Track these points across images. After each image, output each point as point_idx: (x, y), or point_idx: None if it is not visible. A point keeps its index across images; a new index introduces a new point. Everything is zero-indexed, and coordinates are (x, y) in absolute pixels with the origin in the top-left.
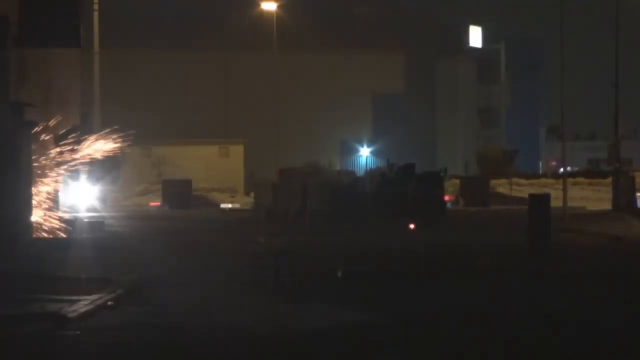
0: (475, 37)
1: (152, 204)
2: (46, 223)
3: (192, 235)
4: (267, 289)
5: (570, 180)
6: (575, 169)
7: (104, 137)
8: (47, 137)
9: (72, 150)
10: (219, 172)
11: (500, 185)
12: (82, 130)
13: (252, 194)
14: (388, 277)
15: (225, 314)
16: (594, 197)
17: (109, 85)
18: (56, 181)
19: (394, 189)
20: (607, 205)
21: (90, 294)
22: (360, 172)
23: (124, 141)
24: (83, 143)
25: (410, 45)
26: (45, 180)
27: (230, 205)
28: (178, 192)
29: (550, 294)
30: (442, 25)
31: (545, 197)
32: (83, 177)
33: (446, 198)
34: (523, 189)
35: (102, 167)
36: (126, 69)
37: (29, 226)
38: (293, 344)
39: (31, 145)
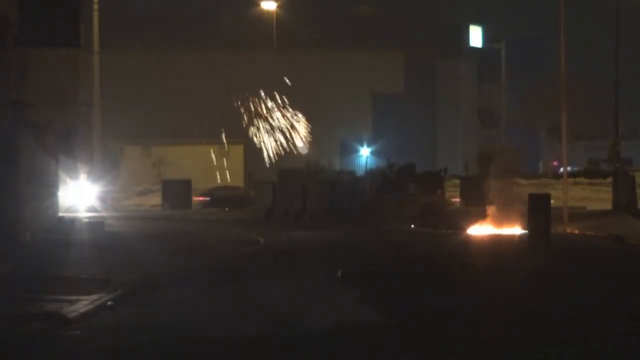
0: (475, 37)
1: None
2: None
3: (192, 235)
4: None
5: (570, 180)
6: (576, 168)
7: None
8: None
9: None
10: (219, 172)
11: None
12: (82, 130)
13: (252, 194)
14: (386, 277)
15: (224, 313)
16: (594, 197)
17: (109, 85)
18: None
19: (394, 189)
20: (607, 205)
21: (90, 294)
22: (360, 172)
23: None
24: None
25: (410, 45)
26: None
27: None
28: (178, 192)
29: (549, 293)
30: (442, 25)
31: (545, 197)
32: (83, 177)
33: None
34: (523, 189)
35: (102, 168)
36: (126, 69)
37: (29, 226)
38: (293, 346)
39: (31, 144)
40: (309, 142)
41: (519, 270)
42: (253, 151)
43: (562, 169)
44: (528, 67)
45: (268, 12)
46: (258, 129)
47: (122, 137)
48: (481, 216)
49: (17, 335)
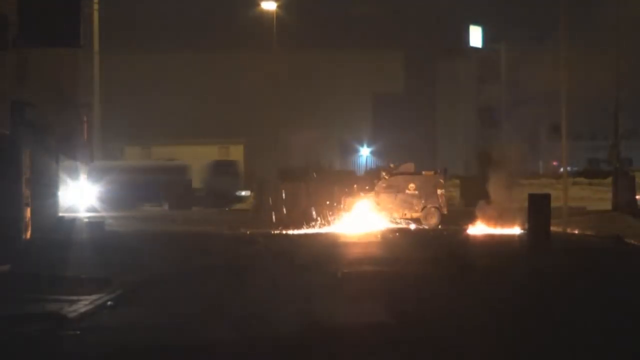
0: (475, 37)
1: None
2: None
3: (192, 235)
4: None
5: (570, 180)
6: (576, 168)
7: None
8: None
9: None
10: None
11: None
12: (82, 130)
13: (252, 194)
14: (386, 277)
15: (225, 314)
16: (594, 197)
17: (109, 85)
18: None
19: (394, 189)
20: (607, 206)
21: (90, 294)
22: (361, 172)
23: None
24: None
25: (410, 45)
26: None
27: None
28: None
29: (549, 293)
30: (442, 25)
31: (545, 197)
32: (83, 177)
33: None
34: (523, 189)
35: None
36: (126, 69)
37: (29, 226)
38: (293, 346)
39: (31, 144)
40: None
41: (519, 270)
42: (253, 151)
43: (562, 169)
44: (528, 66)
45: (268, 12)
46: None
47: (122, 137)
48: (481, 216)
49: (17, 335)
